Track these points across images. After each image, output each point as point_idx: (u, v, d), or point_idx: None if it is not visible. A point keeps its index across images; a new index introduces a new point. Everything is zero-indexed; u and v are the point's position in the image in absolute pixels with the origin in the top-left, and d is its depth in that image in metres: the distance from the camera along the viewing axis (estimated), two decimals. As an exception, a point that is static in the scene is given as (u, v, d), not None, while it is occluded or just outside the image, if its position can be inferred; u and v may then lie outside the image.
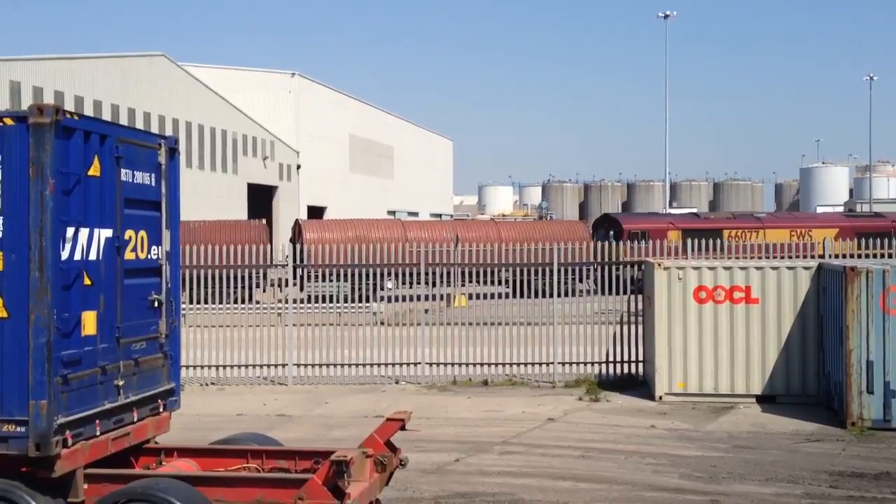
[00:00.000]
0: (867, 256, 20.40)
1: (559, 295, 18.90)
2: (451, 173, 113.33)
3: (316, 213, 70.31)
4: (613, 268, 19.33)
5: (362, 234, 35.52)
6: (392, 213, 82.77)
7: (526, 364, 18.73)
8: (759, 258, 20.72)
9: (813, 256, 21.09)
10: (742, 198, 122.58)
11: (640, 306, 18.57)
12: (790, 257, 20.97)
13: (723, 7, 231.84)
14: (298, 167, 68.90)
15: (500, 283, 21.55)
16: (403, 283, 20.68)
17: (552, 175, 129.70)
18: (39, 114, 7.71)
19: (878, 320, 14.39)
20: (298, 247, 24.30)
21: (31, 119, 7.70)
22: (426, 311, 19.28)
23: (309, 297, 21.35)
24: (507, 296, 20.67)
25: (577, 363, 18.71)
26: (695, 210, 77.83)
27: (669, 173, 70.40)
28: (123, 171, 8.79)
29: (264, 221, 39.71)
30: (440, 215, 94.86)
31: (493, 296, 19.47)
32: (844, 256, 21.57)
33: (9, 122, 7.76)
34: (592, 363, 18.70)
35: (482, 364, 18.77)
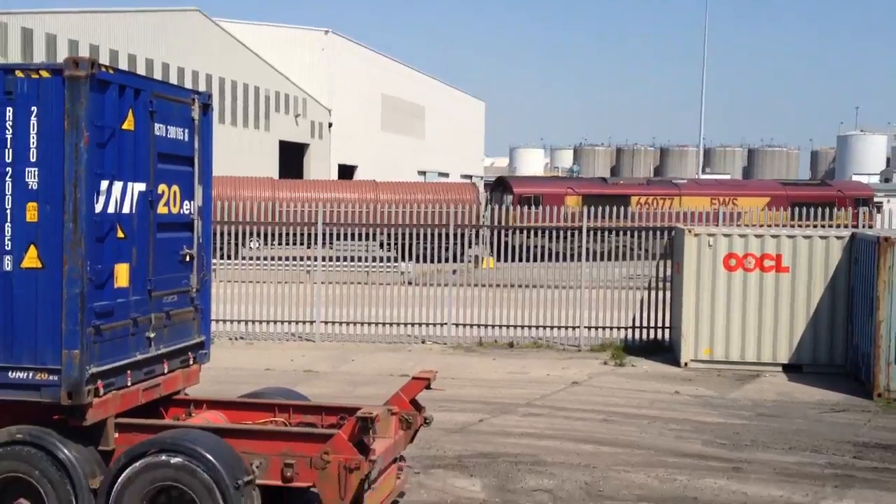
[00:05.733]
0: (798, 227, 19.67)
1: (446, 260, 18.88)
2: (483, 135, 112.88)
3: (347, 171, 70.45)
4: (503, 233, 19.31)
5: (227, 193, 32.42)
6: (422, 173, 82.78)
7: (552, 327, 18.77)
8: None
9: (737, 226, 20.11)
10: (777, 164, 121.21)
11: (668, 272, 18.50)
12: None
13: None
14: (330, 125, 68.91)
15: (382, 246, 20.76)
16: (268, 244, 19.97)
17: (584, 138, 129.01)
18: (75, 67, 7.74)
19: (910, 292, 14.24)
20: None
21: (67, 72, 7.74)
22: (454, 271, 19.33)
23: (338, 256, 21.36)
24: (392, 259, 20.11)
25: (604, 328, 18.71)
26: (721, 175, 76.96)
27: (704, 138, 69.73)
28: (157, 125, 8.84)
29: None
30: (470, 176, 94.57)
31: (519, 258, 19.43)
32: (766, 227, 20.40)
33: (45, 74, 7.81)
34: (619, 328, 18.70)
35: (508, 326, 18.82)
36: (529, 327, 18.82)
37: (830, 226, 19.69)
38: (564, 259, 19.04)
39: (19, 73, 7.76)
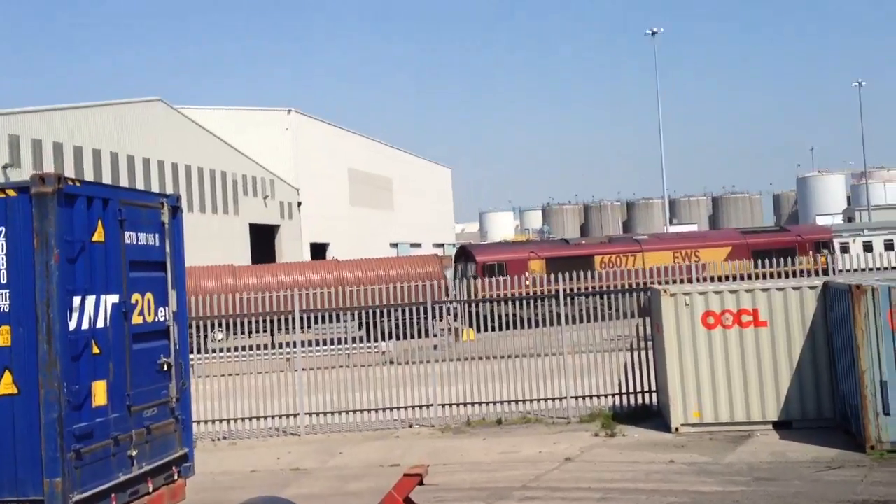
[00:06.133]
0: (762, 276, 19.71)
1: (417, 335, 18.73)
2: (452, 201, 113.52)
3: (319, 249, 70.31)
4: (472, 304, 19.39)
5: (188, 284, 32.03)
6: (395, 245, 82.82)
7: (539, 400, 18.53)
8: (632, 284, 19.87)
9: (698, 279, 20.26)
10: (742, 210, 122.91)
11: (648, 331, 18.39)
12: (673, 281, 20.11)
13: (709, 21, 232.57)
14: (299, 204, 68.97)
15: (361, 327, 20.76)
16: (236, 334, 19.69)
17: (552, 198, 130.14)
18: (42, 183, 7.65)
19: (889, 338, 14.19)
20: None
21: (34, 189, 7.63)
22: (435, 347, 19.13)
23: (317, 340, 21.12)
24: (361, 339, 20.10)
25: (591, 396, 18.51)
26: (688, 225, 77.61)
27: (668, 190, 70.67)
28: (127, 233, 8.73)
29: None
30: (442, 245, 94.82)
31: (499, 327, 19.31)
32: (728, 279, 20.16)
33: (11, 193, 7.70)
34: (606, 395, 18.51)
35: (495, 403, 18.56)
36: (517, 402, 18.57)
37: (794, 273, 19.76)
38: (543, 325, 18.97)
39: (-15, 195, 7.63)
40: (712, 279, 19.83)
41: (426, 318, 18.85)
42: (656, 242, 42.81)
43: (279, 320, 19.42)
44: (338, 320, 19.51)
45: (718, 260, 26.27)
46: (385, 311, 19.15)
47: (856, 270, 20.08)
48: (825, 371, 16.10)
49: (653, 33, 67.63)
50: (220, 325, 19.60)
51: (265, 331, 19.36)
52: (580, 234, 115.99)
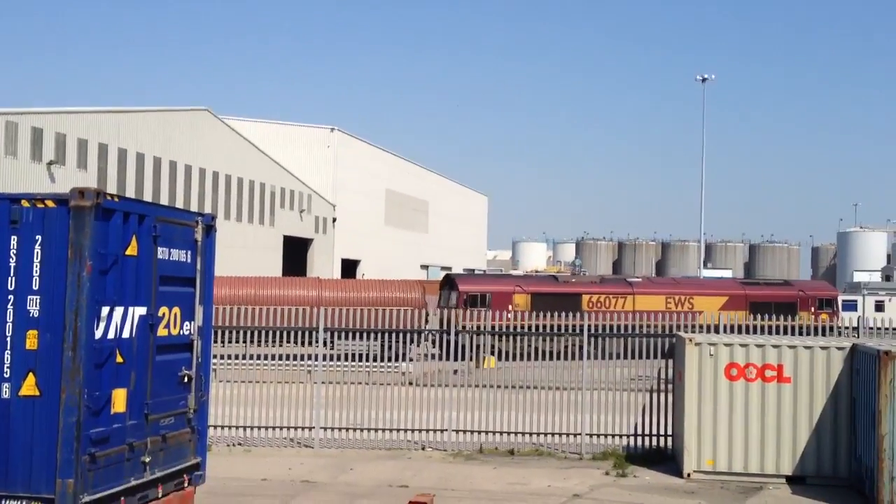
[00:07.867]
0: (756, 330, 19.42)
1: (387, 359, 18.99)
2: (486, 228, 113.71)
3: (350, 266, 70.79)
4: (452, 334, 19.49)
5: None
6: (425, 267, 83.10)
7: (553, 434, 18.61)
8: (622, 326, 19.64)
9: (688, 327, 19.95)
10: (778, 260, 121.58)
11: (670, 374, 18.40)
12: (661, 327, 19.72)
13: (759, 70, 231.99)
14: (334, 220, 69.53)
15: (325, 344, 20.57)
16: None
17: (586, 232, 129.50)
18: (80, 197, 7.91)
19: (912, 405, 14.14)
20: None
21: (73, 202, 7.89)
22: (455, 371, 19.26)
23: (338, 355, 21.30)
24: (334, 357, 20.15)
25: (605, 435, 18.56)
26: (723, 270, 76.87)
27: (705, 233, 70.14)
28: (160, 249, 8.98)
29: None
30: (473, 270, 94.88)
31: (521, 357, 19.43)
32: (721, 329, 19.45)
33: (50, 204, 7.97)
34: (620, 435, 18.54)
35: (509, 433, 18.67)
36: (531, 434, 18.67)
37: (794, 329, 19.71)
38: (564, 358, 19.12)
39: (25, 203, 7.92)
40: (702, 328, 19.56)
41: (404, 343, 19.22)
42: (649, 286, 41.18)
43: (251, 333, 19.68)
44: (310, 338, 19.79)
45: (713, 309, 25.82)
46: (360, 333, 19.40)
47: (854, 329, 19.94)
48: (844, 432, 16.04)
49: (703, 80, 66.78)
50: None
51: (237, 342, 19.64)
52: (612, 271, 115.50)
